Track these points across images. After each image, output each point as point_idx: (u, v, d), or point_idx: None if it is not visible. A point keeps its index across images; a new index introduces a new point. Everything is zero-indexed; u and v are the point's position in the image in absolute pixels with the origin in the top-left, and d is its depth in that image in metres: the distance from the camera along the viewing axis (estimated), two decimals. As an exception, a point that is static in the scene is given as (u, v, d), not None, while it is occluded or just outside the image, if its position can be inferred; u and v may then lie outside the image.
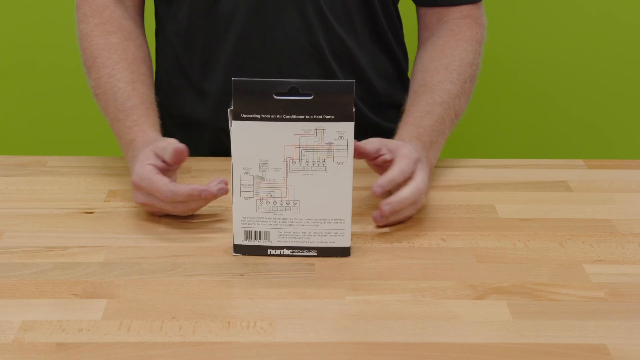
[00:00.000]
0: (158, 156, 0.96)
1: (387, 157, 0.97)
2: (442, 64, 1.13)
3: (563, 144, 1.87)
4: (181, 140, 1.24)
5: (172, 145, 0.95)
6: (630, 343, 0.76)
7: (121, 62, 1.09)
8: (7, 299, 0.82)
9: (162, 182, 0.93)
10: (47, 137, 1.84)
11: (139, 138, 1.02)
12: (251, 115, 0.85)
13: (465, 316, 0.80)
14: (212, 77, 1.17)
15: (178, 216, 0.98)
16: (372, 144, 0.97)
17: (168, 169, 0.96)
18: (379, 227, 0.96)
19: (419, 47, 1.21)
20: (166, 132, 1.26)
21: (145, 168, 0.95)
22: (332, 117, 0.85)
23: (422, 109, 1.08)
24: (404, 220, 0.97)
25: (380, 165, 0.98)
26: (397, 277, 0.87)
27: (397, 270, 0.88)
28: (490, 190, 1.07)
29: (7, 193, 1.05)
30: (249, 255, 0.90)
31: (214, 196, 0.93)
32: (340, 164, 0.87)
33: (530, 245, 0.94)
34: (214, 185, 0.93)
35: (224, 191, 0.93)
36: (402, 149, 0.97)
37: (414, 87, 1.14)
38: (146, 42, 1.17)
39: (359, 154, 0.97)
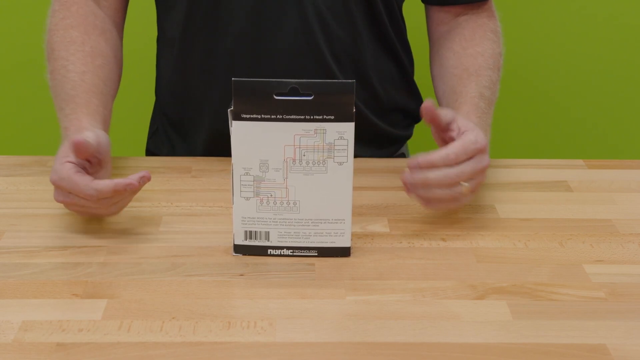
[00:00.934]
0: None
1: (454, 134, 0.94)
2: (477, 51, 1.13)
3: (563, 144, 1.87)
4: (180, 142, 1.25)
5: (80, 139, 0.89)
6: (630, 343, 0.76)
7: (76, 54, 1.07)
8: (7, 299, 0.82)
9: (84, 182, 0.88)
10: (47, 137, 1.84)
11: (72, 127, 0.98)
12: (251, 116, 0.85)
13: (465, 316, 0.80)
14: (211, 79, 1.17)
15: (177, 216, 0.98)
16: (446, 115, 0.94)
17: (88, 165, 0.93)
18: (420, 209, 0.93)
19: (437, 41, 1.19)
20: (165, 134, 1.27)
21: (65, 167, 0.90)
22: (332, 117, 0.85)
23: (476, 91, 1.07)
24: (438, 206, 0.92)
25: (447, 141, 0.95)
26: (397, 277, 0.87)
27: (397, 270, 0.88)
28: (490, 190, 1.07)
29: (7, 193, 1.05)
30: (249, 255, 0.90)
31: (138, 188, 0.89)
32: (340, 164, 0.87)
33: (530, 245, 0.94)
34: (135, 178, 0.89)
35: (146, 179, 0.89)
36: (470, 133, 0.93)
37: (453, 71, 1.12)
38: (115, 37, 1.14)
39: (431, 118, 0.92)
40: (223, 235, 0.94)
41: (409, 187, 0.91)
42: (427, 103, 0.92)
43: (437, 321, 0.79)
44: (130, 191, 0.90)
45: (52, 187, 1.06)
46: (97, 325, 0.78)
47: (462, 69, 1.11)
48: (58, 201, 0.92)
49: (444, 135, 0.96)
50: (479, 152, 0.93)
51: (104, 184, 0.88)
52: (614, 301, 0.83)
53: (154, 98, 1.30)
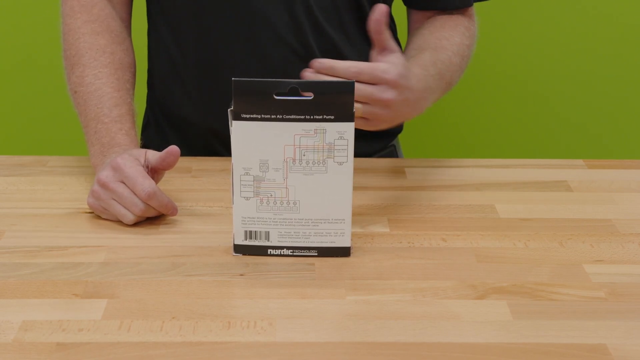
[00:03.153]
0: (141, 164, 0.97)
1: (379, 59, 0.94)
2: (443, 35, 1.14)
3: (563, 144, 1.87)
4: (175, 141, 1.24)
5: (157, 153, 0.97)
6: (630, 343, 0.76)
7: (108, 66, 1.10)
8: (7, 299, 0.82)
9: (145, 175, 0.95)
10: (47, 137, 1.84)
11: (122, 143, 1.03)
12: (251, 116, 0.85)
13: (465, 316, 0.80)
14: (202, 78, 1.17)
15: (177, 216, 0.98)
16: (389, 41, 0.94)
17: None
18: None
19: (412, 32, 1.21)
20: (160, 131, 1.27)
21: (134, 161, 0.96)
22: (332, 117, 0.85)
23: (429, 59, 1.06)
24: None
25: (376, 49, 0.95)
26: (397, 277, 0.87)
27: (397, 270, 0.88)
28: (490, 190, 1.07)
29: (7, 193, 1.05)
30: (249, 255, 0.90)
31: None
32: (340, 164, 0.87)
33: (530, 245, 0.94)
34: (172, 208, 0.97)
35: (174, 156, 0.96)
36: (383, 63, 0.93)
37: (413, 46, 1.12)
38: (132, 44, 1.17)
39: (377, 31, 0.93)
40: (223, 235, 0.94)
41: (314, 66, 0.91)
42: (378, 15, 0.92)
43: (437, 321, 0.79)
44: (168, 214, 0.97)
45: (51, 187, 1.06)
46: (97, 325, 0.78)
47: (424, 44, 1.11)
48: (100, 181, 0.95)
49: (377, 43, 0.95)
50: (386, 82, 0.93)
51: (163, 196, 0.95)
52: (614, 301, 0.83)
53: (145, 90, 1.30)
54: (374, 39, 0.94)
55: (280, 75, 1.12)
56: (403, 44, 1.28)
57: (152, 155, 0.97)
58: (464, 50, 1.14)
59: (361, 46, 1.19)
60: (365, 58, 1.19)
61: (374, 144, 1.26)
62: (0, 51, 1.78)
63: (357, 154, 1.17)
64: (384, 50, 0.95)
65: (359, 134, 1.21)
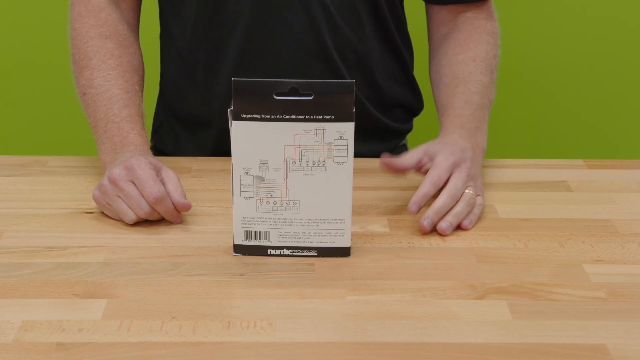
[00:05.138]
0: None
1: (429, 165, 0.99)
2: (469, 56, 1.15)
3: (563, 144, 1.87)
4: (185, 140, 1.25)
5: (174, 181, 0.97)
6: (630, 343, 0.76)
7: (117, 69, 1.10)
8: (7, 299, 0.82)
9: (156, 178, 0.95)
10: (47, 137, 1.84)
11: (135, 143, 1.04)
12: (251, 116, 0.85)
13: (465, 316, 0.80)
14: (218, 77, 1.17)
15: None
16: (412, 156, 1.00)
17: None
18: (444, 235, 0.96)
19: (436, 43, 1.21)
20: (170, 131, 1.27)
21: (148, 165, 0.96)
22: (332, 117, 0.85)
23: (461, 100, 1.10)
24: (466, 222, 0.96)
25: (426, 173, 1.01)
26: (397, 277, 0.87)
27: (397, 270, 0.88)
28: (490, 190, 1.07)
29: (7, 193, 1.05)
30: (249, 255, 0.90)
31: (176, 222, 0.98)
32: (340, 164, 0.87)
33: (530, 245, 0.94)
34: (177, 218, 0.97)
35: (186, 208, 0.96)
36: (439, 156, 0.99)
37: (445, 80, 1.15)
38: (139, 48, 1.17)
39: (395, 171, 0.99)
40: (223, 235, 0.94)
41: (427, 227, 0.95)
42: (383, 159, 0.98)
43: (437, 321, 0.79)
44: (171, 219, 0.97)
45: (51, 187, 1.06)
46: (97, 325, 0.78)
47: (452, 77, 1.14)
48: (111, 178, 0.95)
49: (421, 172, 1.00)
50: (455, 165, 0.99)
51: (169, 201, 0.95)
52: (614, 301, 0.83)
53: (156, 93, 1.30)
54: (400, 174, 1.01)
55: (295, 76, 1.12)
56: (414, 40, 1.28)
57: (170, 185, 0.97)
58: (491, 63, 1.16)
59: (377, 46, 1.19)
60: (379, 55, 1.21)
61: (387, 143, 1.26)
62: (0, 51, 1.78)
63: (369, 153, 1.18)
64: (419, 162, 1.00)
65: (372, 134, 1.22)
